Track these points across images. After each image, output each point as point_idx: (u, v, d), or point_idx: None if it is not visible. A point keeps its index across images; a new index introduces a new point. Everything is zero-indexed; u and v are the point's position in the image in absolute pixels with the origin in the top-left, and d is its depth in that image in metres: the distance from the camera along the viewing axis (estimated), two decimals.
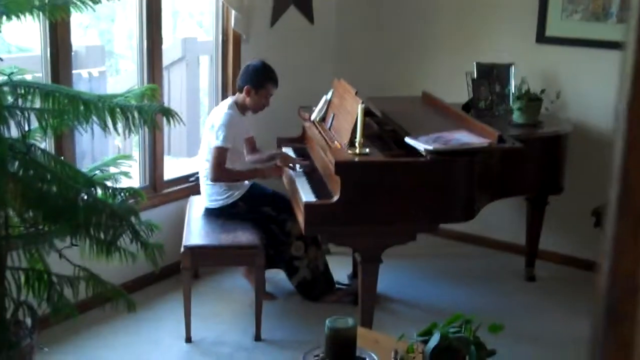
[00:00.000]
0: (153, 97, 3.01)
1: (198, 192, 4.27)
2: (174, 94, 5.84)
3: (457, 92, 4.71)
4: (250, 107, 4.06)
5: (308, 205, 3.32)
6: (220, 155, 3.87)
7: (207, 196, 4.07)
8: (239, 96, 4.07)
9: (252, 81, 4.00)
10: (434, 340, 2.32)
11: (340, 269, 4.44)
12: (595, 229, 4.30)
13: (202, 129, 5.30)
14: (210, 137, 3.93)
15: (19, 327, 2.94)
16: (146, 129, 4.07)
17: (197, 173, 4.29)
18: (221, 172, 3.89)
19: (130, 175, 3.20)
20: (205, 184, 4.05)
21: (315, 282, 4.15)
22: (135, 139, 4.60)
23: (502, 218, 4.99)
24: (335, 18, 5.53)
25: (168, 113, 2.91)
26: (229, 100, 4.10)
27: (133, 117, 2.82)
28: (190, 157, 5.71)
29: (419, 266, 4.80)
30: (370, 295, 3.49)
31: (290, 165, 4.00)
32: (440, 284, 4.57)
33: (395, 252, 3.61)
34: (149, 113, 2.83)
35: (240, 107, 4.05)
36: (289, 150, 4.40)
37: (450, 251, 5.08)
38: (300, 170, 3.97)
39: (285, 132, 4.62)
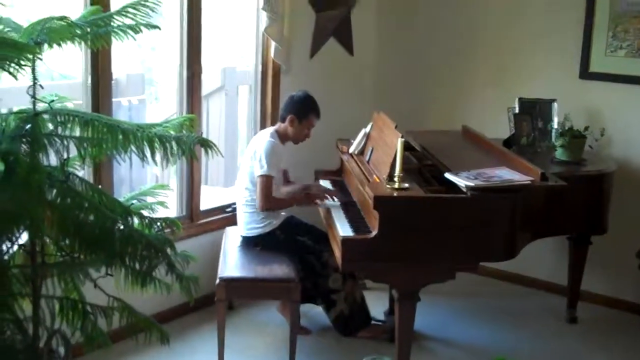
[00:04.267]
0: (191, 127, 3.00)
1: (234, 223, 4.25)
2: (213, 122, 5.84)
3: (498, 128, 4.64)
4: (292, 137, 4.08)
5: (346, 240, 3.28)
6: (267, 184, 3.88)
7: (245, 224, 4.05)
8: (281, 126, 4.09)
9: (296, 111, 4.04)
10: None
11: (377, 304, 4.37)
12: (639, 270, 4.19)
13: (240, 158, 5.24)
14: (254, 165, 3.94)
15: (52, 356, 2.91)
16: (184, 159, 4.05)
17: (234, 204, 4.27)
18: (269, 200, 3.89)
19: (167, 205, 3.19)
20: (243, 212, 4.05)
21: (352, 317, 4.09)
22: (173, 167, 4.60)
23: (543, 257, 4.88)
24: (374, 50, 5.51)
25: (206, 144, 2.89)
26: (270, 129, 4.11)
27: (171, 147, 2.80)
28: (227, 187, 5.69)
29: (457, 304, 4.71)
30: (407, 333, 3.43)
31: (325, 196, 3.97)
32: (479, 323, 4.47)
33: (433, 288, 3.53)
34: (187, 144, 2.81)
35: (282, 137, 4.07)
36: (326, 183, 4.37)
37: (489, 289, 4.99)
38: (337, 203, 3.93)
39: (323, 164, 4.58)
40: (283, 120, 4.07)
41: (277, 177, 3.97)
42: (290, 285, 3.69)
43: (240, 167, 4.21)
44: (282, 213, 4.06)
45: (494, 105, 4.92)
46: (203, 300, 4.10)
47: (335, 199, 3.98)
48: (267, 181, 3.87)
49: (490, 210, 3.34)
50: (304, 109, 4.05)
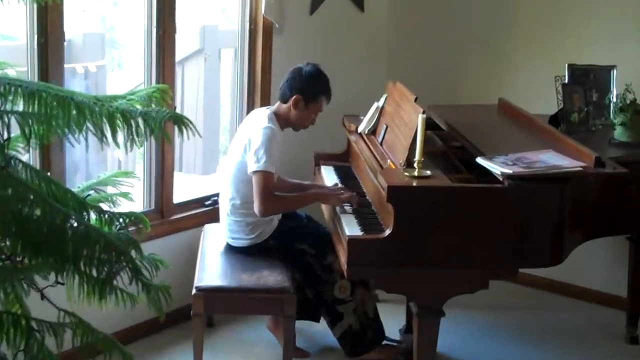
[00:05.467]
0: (163, 100, 2.99)
1: (216, 220, 4.25)
2: (189, 95, 5.85)
3: (543, 101, 4.64)
4: (294, 122, 4.06)
5: (353, 241, 3.29)
6: (267, 182, 3.83)
7: (229, 231, 4.06)
8: (282, 107, 4.05)
9: (304, 90, 3.98)
10: None
11: (391, 321, 4.38)
12: None
13: (222, 138, 5.20)
14: (247, 158, 3.90)
15: None
16: (153, 140, 4.08)
17: (216, 195, 4.26)
18: (271, 201, 3.85)
19: (132, 197, 3.18)
20: (228, 217, 4.04)
21: (363, 333, 4.09)
22: (139, 151, 4.60)
23: (596, 262, 4.89)
24: (390, 6, 5.50)
25: (181, 121, 2.87)
26: (267, 110, 4.07)
27: (137, 125, 2.78)
28: (206, 174, 5.70)
29: (491, 320, 4.72)
30: (429, 356, 3.44)
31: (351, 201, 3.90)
32: (517, 343, 4.48)
33: (461, 301, 3.54)
34: (157, 121, 2.80)
35: (281, 121, 4.03)
36: (329, 170, 4.36)
37: (530, 302, 5.00)
38: (349, 207, 3.89)
39: (325, 146, 4.58)
40: (284, 100, 4.03)
41: (277, 171, 3.95)
42: (283, 297, 3.69)
43: (226, 155, 4.19)
44: (275, 220, 4.04)
45: (538, 73, 4.90)
46: (176, 315, 4.12)
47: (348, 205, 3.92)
48: (265, 179, 3.83)
49: (532, 204, 3.34)
50: (314, 89, 4.00)
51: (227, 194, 4.02)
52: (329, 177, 4.34)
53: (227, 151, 4.29)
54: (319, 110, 4.05)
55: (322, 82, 4.03)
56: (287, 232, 4.04)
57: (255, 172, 3.83)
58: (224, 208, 4.07)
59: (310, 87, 3.99)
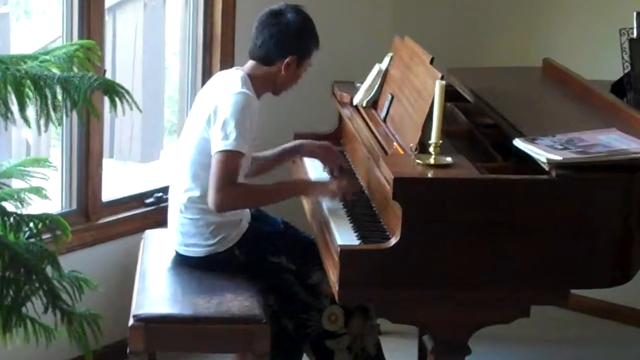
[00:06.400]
0: (88, 61, 2.99)
1: (161, 223, 4.26)
2: (123, 55, 5.83)
3: (603, 62, 4.66)
4: (281, 85, 4.07)
5: (346, 253, 3.26)
6: (232, 165, 3.80)
7: (181, 237, 4.03)
8: (260, 68, 4.03)
9: (298, 49, 3.99)
10: None
11: (399, 358, 4.39)
12: None
13: (168, 112, 5.17)
14: (210, 132, 3.87)
15: None
16: (75, 117, 4.05)
17: (161, 191, 4.26)
18: (231, 191, 3.81)
19: (47, 194, 3.18)
20: (181, 215, 4.01)
21: None
22: (55, 131, 4.57)
23: None
24: None
25: (113, 91, 2.88)
26: (238, 72, 4.05)
27: (54, 95, 2.79)
28: (146, 162, 5.69)
29: (533, 356, 4.74)
30: None
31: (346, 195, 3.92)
32: None
33: (493, 333, 3.54)
34: (80, 90, 2.80)
35: (260, 86, 4.02)
36: (314, 161, 4.34)
37: (585, 333, 5.02)
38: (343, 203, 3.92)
39: (309, 124, 4.58)
40: (268, 62, 4.01)
41: (248, 156, 3.94)
42: (252, 329, 3.67)
43: (181, 133, 4.17)
44: (244, 221, 4.03)
45: (596, 24, 4.92)
46: (108, 353, 4.09)
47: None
48: (232, 161, 3.80)
49: (590, 202, 3.33)
50: (306, 44, 4.02)
51: (182, 183, 4.00)
52: (314, 168, 4.34)
53: (178, 129, 4.27)
54: (309, 64, 4.09)
55: (311, 30, 4.05)
56: (258, 239, 4.04)
57: (220, 151, 3.80)
58: (176, 204, 4.05)
59: (302, 44, 4.01)
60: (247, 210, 4.05)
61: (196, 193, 3.93)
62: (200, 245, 3.99)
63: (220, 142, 3.78)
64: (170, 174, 4.19)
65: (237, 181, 3.82)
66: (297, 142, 4.31)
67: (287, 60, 3.96)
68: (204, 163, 3.87)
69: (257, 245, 4.02)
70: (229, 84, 3.92)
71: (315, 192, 3.99)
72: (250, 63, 4.04)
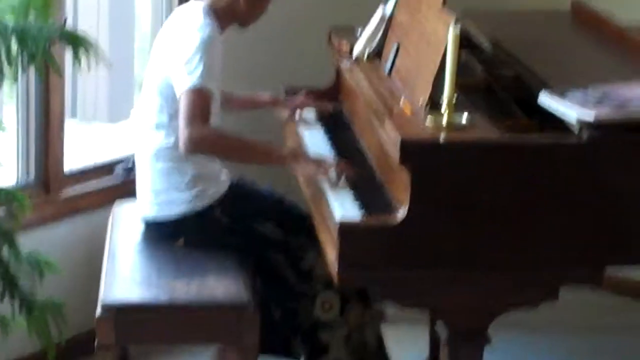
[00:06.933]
0: (46, 9, 3.01)
1: (131, 195, 4.27)
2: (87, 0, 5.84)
3: None
4: (245, 14, 4.09)
5: (347, 228, 3.28)
6: (201, 103, 3.82)
7: (153, 195, 4.06)
8: None
9: None
10: None
11: (406, 352, 4.43)
12: None
13: (138, 65, 5.21)
14: (171, 74, 3.91)
15: None
16: (32, 73, 4.03)
17: (131, 157, 4.28)
18: (204, 128, 3.82)
19: (0, 163, 3.19)
20: (151, 170, 4.04)
21: None
22: (9, 88, 4.57)
23: None
24: None
25: (76, 43, 2.90)
26: (199, 4, 4.07)
27: (9, 49, 2.81)
28: (114, 122, 5.71)
29: (561, 348, 4.76)
30: None
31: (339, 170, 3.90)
32: None
33: (516, 319, 3.59)
34: (39, 42, 2.83)
35: (222, 18, 4.06)
36: (315, 136, 4.36)
37: (625, 319, 5.04)
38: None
39: (300, 77, 4.61)
40: None
41: (217, 94, 3.97)
42: (239, 316, 3.70)
43: (142, 85, 4.21)
44: (224, 176, 4.08)
45: None
46: (73, 347, 4.09)
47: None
48: (199, 98, 3.82)
49: (628, 166, 3.35)
50: None
51: (149, 134, 4.04)
52: (313, 143, 4.29)
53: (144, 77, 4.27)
54: None
55: None
56: (242, 200, 4.08)
57: (187, 91, 3.83)
58: (144, 158, 4.08)
59: None
60: (225, 167, 4.09)
61: (165, 141, 3.97)
62: (174, 202, 4.01)
63: (187, 77, 3.82)
64: (135, 127, 4.23)
65: (208, 120, 3.84)
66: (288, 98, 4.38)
67: None
68: (170, 108, 3.94)
69: (241, 207, 4.06)
70: (191, 18, 3.98)
71: (307, 168, 3.95)
72: None
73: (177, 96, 3.86)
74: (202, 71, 3.82)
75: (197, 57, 3.83)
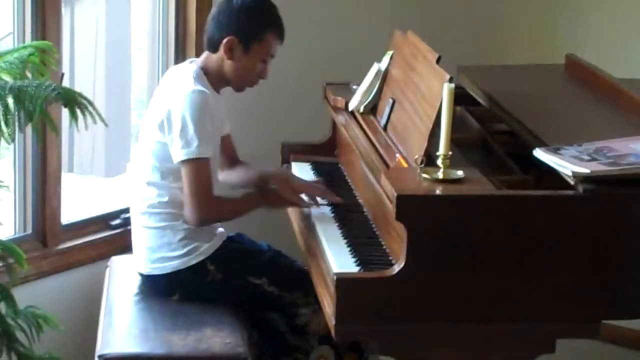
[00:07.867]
0: (45, 66, 3.00)
1: (127, 249, 4.26)
2: (83, 52, 5.82)
3: (635, 59, 4.69)
4: (233, 77, 4.07)
5: (344, 281, 3.26)
6: (202, 174, 3.85)
7: (148, 252, 4.04)
8: (211, 58, 4.06)
9: (238, 27, 4.00)
10: None
11: None
12: None
13: (135, 115, 5.19)
14: (167, 140, 3.90)
15: None
16: (29, 131, 4.03)
17: (127, 211, 4.26)
18: (211, 204, 3.89)
19: None
20: (144, 228, 4.03)
21: None
22: (6, 146, 4.56)
23: None
24: None
25: (74, 102, 2.89)
26: (191, 66, 4.07)
27: (6, 108, 2.80)
28: (110, 176, 5.69)
29: None
30: None
31: (320, 197, 4.00)
32: None
33: None
34: (36, 101, 2.81)
35: (214, 79, 4.05)
36: (303, 169, 4.38)
37: None
38: (325, 204, 3.97)
39: (298, 133, 4.61)
40: (213, 48, 4.04)
41: (214, 156, 3.98)
42: None
43: (138, 142, 4.20)
44: (219, 229, 4.07)
45: (626, 17, 4.94)
46: None
47: (323, 201, 4.00)
48: (200, 169, 3.85)
49: (622, 221, 3.34)
50: (253, 23, 4.01)
51: (142, 191, 4.03)
52: (300, 174, 4.32)
53: (139, 134, 4.27)
54: (268, 54, 4.07)
55: (265, 10, 4.06)
56: (235, 255, 4.07)
57: (185, 161, 3.84)
58: (137, 215, 4.07)
59: (247, 22, 4.01)
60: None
61: (157, 199, 3.97)
62: (167, 258, 4.00)
63: (183, 150, 3.83)
64: (130, 184, 4.21)
65: (212, 192, 3.88)
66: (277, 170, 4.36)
67: (225, 40, 3.98)
68: (163, 168, 3.94)
69: (234, 261, 4.05)
70: (182, 82, 3.96)
71: (285, 200, 4.06)
72: (204, 54, 4.09)
73: (175, 162, 3.87)
74: (198, 142, 3.83)
75: (192, 126, 3.83)
